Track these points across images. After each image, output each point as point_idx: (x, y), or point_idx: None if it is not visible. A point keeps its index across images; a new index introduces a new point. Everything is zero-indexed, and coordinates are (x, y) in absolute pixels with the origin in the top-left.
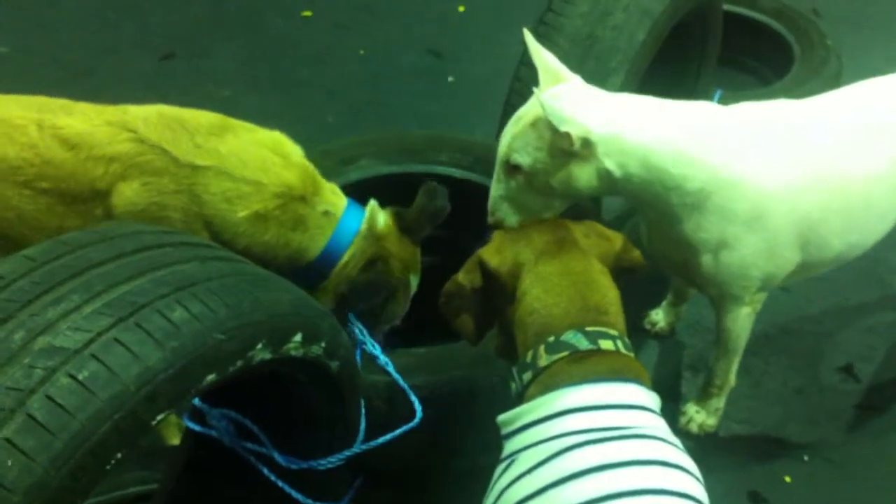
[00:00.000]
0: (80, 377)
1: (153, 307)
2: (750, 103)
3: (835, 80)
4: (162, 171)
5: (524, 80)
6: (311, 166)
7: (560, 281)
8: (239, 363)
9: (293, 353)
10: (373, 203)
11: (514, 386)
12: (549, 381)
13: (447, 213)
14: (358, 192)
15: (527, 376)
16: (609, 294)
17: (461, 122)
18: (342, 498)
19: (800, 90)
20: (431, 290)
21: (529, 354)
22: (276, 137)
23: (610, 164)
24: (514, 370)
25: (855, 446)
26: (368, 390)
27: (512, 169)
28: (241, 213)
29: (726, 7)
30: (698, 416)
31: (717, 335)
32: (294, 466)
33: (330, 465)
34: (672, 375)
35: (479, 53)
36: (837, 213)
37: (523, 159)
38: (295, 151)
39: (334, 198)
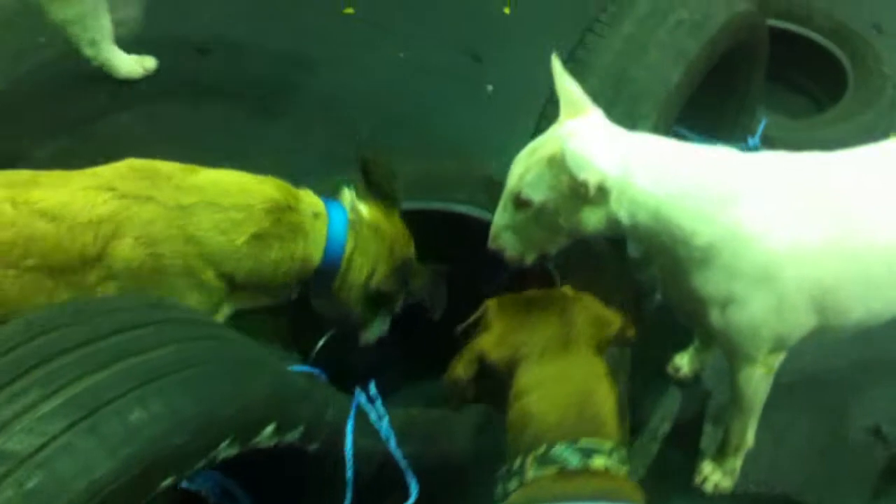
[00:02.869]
0: (27, 487)
1: (113, 407)
2: (773, 154)
3: (890, 110)
4: (152, 220)
5: (550, 119)
6: (277, 179)
7: (559, 388)
8: (201, 462)
9: (263, 445)
10: (344, 189)
11: (499, 487)
12: (534, 493)
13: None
14: None
15: (512, 485)
16: (608, 403)
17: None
18: None
19: (852, 120)
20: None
21: (518, 461)
22: (238, 173)
23: (620, 212)
24: (502, 472)
25: None
26: (358, 456)
27: (521, 202)
28: (240, 241)
29: (779, 24)
30: (714, 476)
31: (732, 393)
32: None
33: None
34: (692, 427)
35: (521, 59)
36: (856, 280)
37: (535, 195)
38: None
39: (313, 199)
